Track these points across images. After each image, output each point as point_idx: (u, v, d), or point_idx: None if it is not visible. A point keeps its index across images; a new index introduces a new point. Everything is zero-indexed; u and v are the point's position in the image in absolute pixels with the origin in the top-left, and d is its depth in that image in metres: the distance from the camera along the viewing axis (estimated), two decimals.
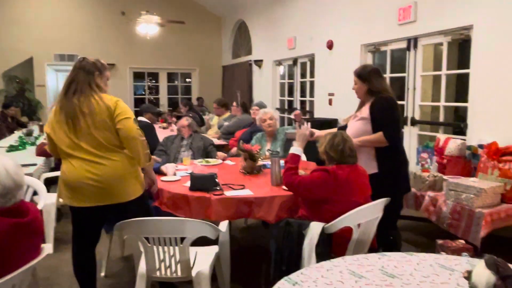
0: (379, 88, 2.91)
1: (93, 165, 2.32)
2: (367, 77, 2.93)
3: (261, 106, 5.71)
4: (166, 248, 2.14)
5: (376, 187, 2.76)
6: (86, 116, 2.33)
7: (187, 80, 12.91)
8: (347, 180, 2.44)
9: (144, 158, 2.40)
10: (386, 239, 2.93)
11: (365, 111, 2.92)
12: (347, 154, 2.52)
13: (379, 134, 2.81)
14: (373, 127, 2.88)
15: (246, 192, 2.78)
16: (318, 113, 7.19)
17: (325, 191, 2.43)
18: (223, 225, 2.55)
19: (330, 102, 6.83)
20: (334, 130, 3.17)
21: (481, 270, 1.29)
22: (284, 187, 2.86)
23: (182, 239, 2.11)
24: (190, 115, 4.61)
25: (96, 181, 2.31)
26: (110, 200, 2.35)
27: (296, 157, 2.75)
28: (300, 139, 2.87)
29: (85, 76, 2.41)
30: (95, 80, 2.43)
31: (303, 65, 8.08)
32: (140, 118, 5.20)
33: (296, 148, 2.81)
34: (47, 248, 1.90)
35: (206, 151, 4.25)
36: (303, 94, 8.26)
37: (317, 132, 3.16)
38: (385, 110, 2.85)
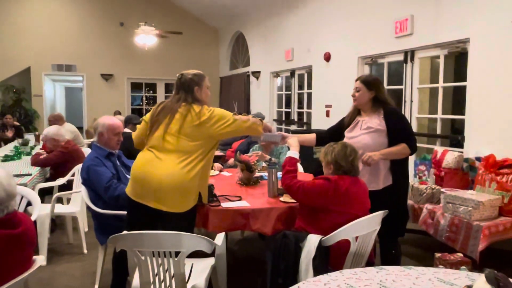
0: (387, 98, 2.90)
1: None
2: (374, 85, 2.90)
3: (260, 117, 5.71)
4: (160, 261, 2.10)
5: (391, 199, 2.80)
6: None
7: None
8: (347, 191, 2.43)
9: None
10: (389, 254, 2.91)
11: (376, 122, 2.86)
12: (356, 165, 2.53)
13: (403, 146, 2.80)
14: (389, 138, 2.83)
15: (242, 204, 2.76)
16: (316, 125, 7.19)
17: (324, 199, 2.42)
18: (220, 237, 2.52)
19: (327, 114, 6.84)
20: (311, 135, 3.17)
21: (482, 285, 1.27)
22: (281, 199, 2.84)
23: (177, 252, 2.08)
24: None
25: None
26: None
27: (294, 160, 2.73)
28: (294, 144, 2.85)
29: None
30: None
31: (301, 76, 8.10)
32: (126, 130, 5.18)
33: (293, 152, 2.79)
34: (40, 260, 1.87)
35: None
36: (300, 105, 8.27)
37: (289, 137, 3.01)
38: (404, 120, 2.89)
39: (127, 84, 11.46)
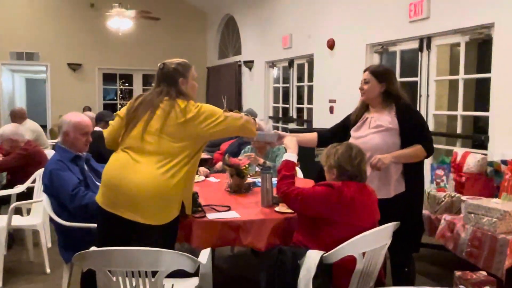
0: (400, 92, 2.90)
1: None
2: (385, 76, 2.90)
3: (252, 114, 5.71)
4: (135, 283, 2.09)
5: (403, 208, 2.80)
6: None
7: None
8: (352, 200, 2.43)
9: None
10: (401, 272, 2.91)
11: (387, 119, 2.86)
12: (363, 169, 2.53)
13: (418, 148, 2.80)
14: (402, 139, 2.84)
15: (232, 215, 2.75)
16: (318, 123, 7.20)
17: (326, 208, 2.42)
18: (205, 254, 2.51)
19: (331, 110, 6.85)
20: (312, 135, 3.16)
21: None
22: (277, 209, 2.84)
23: (155, 272, 2.06)
24: None
25: None
26: None
27: (291, 164, 2.73)
28: (291, 145, 2.85)
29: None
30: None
31: (300, 67, 8.11)
32: (96, 128, 5.14)
33: (290, 154, 2.79)
34: None
35: None
36: (300, 100, 8.28)
37: (285, 137, 3.00)
38: (419, 118, 2.90)
39: (98, 75, 11.41)
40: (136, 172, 2.38)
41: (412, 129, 2.82)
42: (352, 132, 3.03)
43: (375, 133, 2.88)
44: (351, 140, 2.92)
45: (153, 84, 2.63)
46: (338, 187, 2.44)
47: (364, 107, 3.04)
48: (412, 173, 2.86)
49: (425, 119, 2.98)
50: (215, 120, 2.46)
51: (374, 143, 2.87)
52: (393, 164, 2.81)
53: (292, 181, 2.63)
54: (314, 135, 3.22)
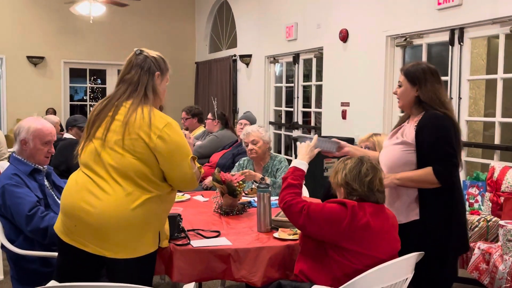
0: (433, 98, 2.82)
1: None
2: (420, 78, 2.84)
3: (251, 119, 5.73)
4: None
5: (416, 240, 2.74)
6: None
7: None
8: (367, 225, 2.43)
9: None
10: None
11: (409, 131, 2.84)
12: (377, 188, 2.52)
13: (427, 171, 2.73)
14: (418, 157, 2.79)
15: (222, 242, 2.75)
16: (328, 130, 7.22)
17: (334, 231, 2.42)
18: None
19: (343, 115, 6.88)
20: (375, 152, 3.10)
21: None
22: (276, 234, 2.84)
23: None
24: None
25: None
26: None
27: (300, 172, 2.73)
28: (306, 151, 2.86)
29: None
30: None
31: (307, 63, 8.13)
32: (66, 135, 5.17)
33: (300, 161, 2.79)
34: None
35: None
36: (306, 102, 8.29)
37: (348, 147, 3.06)
38: (440, 132, 2.75)
39: (64, 70, 11.41)
40: (98, 198, 2.37)
41: (428, 146, 2.75)
42: (385, 140, 3.06)
43: (394, 145, 2.89)
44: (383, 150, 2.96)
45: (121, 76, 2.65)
46: (352, 207, 2.44)
47: (405, 117, 3.01)
48: (431, 198, 2.78)
49: (455, 136, 2.77)
50: (178, 158, 2.44)
51: (388, 157, 2.90)
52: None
53: (298, 192, 2.64)
54: (375, 152, 3.20)
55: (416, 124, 2.82)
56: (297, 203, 2.53)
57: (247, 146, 4.20)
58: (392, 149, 2.89)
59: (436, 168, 2.71)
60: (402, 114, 3.13)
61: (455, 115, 2.89)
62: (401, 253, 2.49)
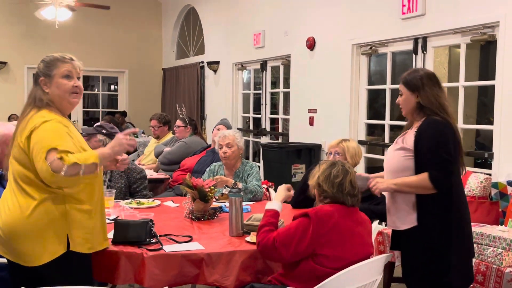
0: (433, 102, 2.84)
1: None
2: (418, 84, 2.85)
3: (228, 126, 5.75)
4: None
5: (415, 247, 2.76)
6: None
7: (112, 87, 12.79)
8: (336, 226, 2.47)
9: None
10: None
11: (409, 137, 2.86)
12: (347, 191, 2.56)
13: (423, 177, 2.73)
14: (416, 163, 2.81)
15: (194, 246, 2.75)
16: (295, 136, 7.27)
17: (308, 243, 2.45)
18: None
19: (311, 122, 6.94)
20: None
21: None
22: (248, 238, 2.86)
23: None
24: (103, 131, 4.25)
25: None
26: None
27: (270, 212, 2.73)
28: (281, 194, 2.89)
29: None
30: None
31: (275, 70, 8.19)
32: None
33: (274, 203, 2.79)
34: None
35: (132, 189, 4.22)
36: (274, 109, 8.33)
37: (382, 183, 2.89)
38: (436, 138, 2.76)
39: (27, 75, 11.19)
40: (4, 208, 2.50)
41: (425, 152, 2.77)
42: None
43: (395, 150, 2.92)
44: None
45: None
46: (314, 214, 2.47)
47: (409, 124, 3.01)
48: (429, 204, 2.78)
49: (453, 141, 2.79)
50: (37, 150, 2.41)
51: (389, 163, 2.93)
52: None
53: (269, 229, 2.61)
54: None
55: (416, 130, 2.85)
56: (267, 239, 2.53)
57: (220, 148, 4.20)
58: (393, 155, 2.92)
59: (432, 174, 2.71)
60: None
61: (454, 119, 2.89)
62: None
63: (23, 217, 2.43)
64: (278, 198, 2.89)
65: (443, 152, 2.73)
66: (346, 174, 2.58)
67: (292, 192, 2.98)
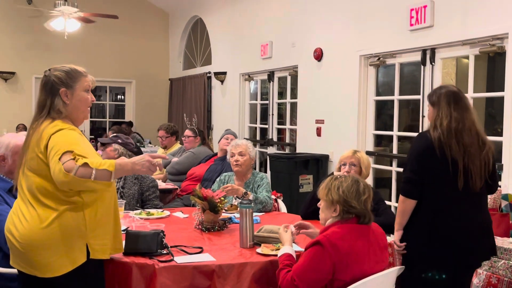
0: (438, 119, 2.90)
1: None
2: (435, 100, 2.97)
3: (236, 136, 5.78)
4: None
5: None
6: None
7: (119, 97, 12.85)
8: (351, 249, 2.44)
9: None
10: None
11: None
12: (370, 207, 2.58)
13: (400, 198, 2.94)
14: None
15: (205, 258, 2.75)
16: (302, 147, 7.28)
17: (327, 272, 2.42)
18: None
19: (318, 132, 6.94)
20: None
21: None
22: (259, 250, 2.86)
23: None
24: (119, 141, 4.32)
25: None
26: None
27: (286, 255, 2.67)
28: (287, 238, 2.79)
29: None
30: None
31: (282, 80, 8.21)
32: None
33: (285, 248, 2.71)
34: None
35: (144, 197, 4.21)
36: (281, 120, 8.34)
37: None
38: (411, 150, 2.95)
39: (36, 86, 11.25)
40: (20, 220, 2.48)
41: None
42: None
43: None
44: None
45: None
46: (326, 241, 2.44)
47: None
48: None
49: (415, 152, 2.93)
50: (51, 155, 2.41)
51: None
52: None
53: (286, 270, 2.55)
54: None
55: None
56: (286, 280, 2.46)
57: (232, 157, 4.21)
58: None
59: (402, 186, 2.92)
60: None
61: (444, 132, 2.86)
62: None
63: (42, 228, 2.42)
64: (286, 243, 2.75)
65: (408, 163, 2.92)
66: (370, 191, 2.61)
67: (295, 230, 2.93)
